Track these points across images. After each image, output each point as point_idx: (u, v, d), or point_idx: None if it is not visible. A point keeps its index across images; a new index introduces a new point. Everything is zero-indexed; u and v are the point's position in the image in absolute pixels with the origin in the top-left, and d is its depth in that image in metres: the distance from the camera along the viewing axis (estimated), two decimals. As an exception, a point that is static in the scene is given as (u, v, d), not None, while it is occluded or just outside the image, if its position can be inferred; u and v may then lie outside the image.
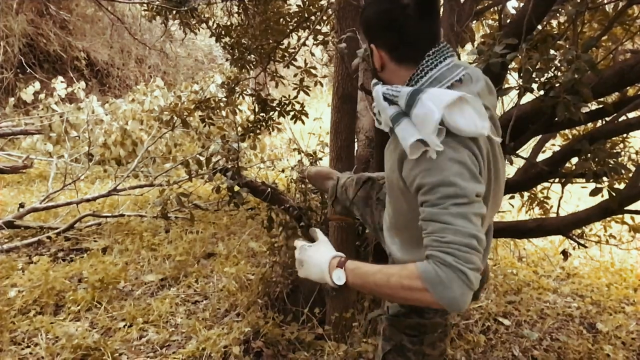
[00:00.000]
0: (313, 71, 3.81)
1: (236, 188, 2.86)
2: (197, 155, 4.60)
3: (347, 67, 2.51)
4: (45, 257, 3.79)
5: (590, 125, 2.85)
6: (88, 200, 4.78)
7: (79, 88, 7.56)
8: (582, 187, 2.76)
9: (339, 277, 1.24)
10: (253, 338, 2.75)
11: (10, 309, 3.00)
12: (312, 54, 4.46)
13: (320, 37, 4.00)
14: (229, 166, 2.95)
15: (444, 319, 1.54)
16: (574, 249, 3.41)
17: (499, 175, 1.28)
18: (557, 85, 1.86)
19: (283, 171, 3.43)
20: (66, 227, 4.31)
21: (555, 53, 2.02)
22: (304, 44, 4.05)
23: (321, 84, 4.41)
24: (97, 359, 2.55)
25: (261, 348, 2.70)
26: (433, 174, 1.11)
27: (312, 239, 1.41)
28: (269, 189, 2.97)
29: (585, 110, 2.15)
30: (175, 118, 3.77)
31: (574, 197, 4.06)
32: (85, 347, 2.62)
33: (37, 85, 7.58)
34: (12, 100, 7.99)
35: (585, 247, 2.93)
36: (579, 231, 3.15)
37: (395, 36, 1.26)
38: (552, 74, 1.85)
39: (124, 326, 2.96)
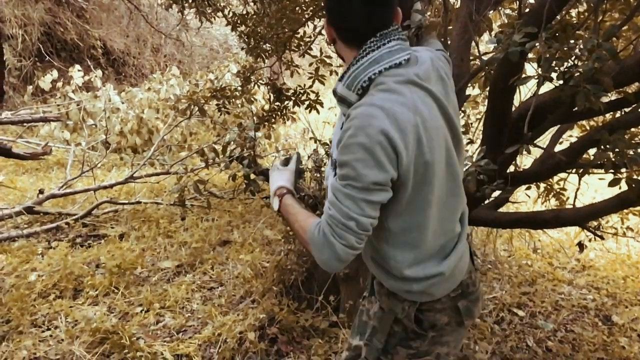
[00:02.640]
0: (328, 60, 3.81)
1: (252, 176, 2.88)
2: (213, 144, 4.64)
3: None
4: (64, 242, 3.86)
5: (608, 116, 2.82)
6: (105, 188, 4.83)
7: (95, 76, 7.63)
8: (600, 179, 2.73)
9: (274, 204, 1.46)
10: (268, 324, 2.79)
11: (31, 293, 3.06)
12: (328, 43, 4.44)
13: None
14: (245, 154, 2.96)
15: (438, 356, 1.43)
16: (589, 241, 3.39)
17: (434, 151, 1.24)
18: (577, 74, 1.84)
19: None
20: (84, 214, 4.37)
21: (574, 42, 1.99)
22: (320, 33, 4.04)
23: (336, 73, 4.41)
24: (115, 343, 2.59)
25: (276, 334, 2.73)
26: (344, 153, 1.20)
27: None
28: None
29: (605, 100, 2.13)
30: (192, 106, 3.79)
31: (591, 189, 4.02)
32: (104, 330, 2.67)
33: (55, 73, 7.66)
34: (30, 88, 8.08)
35: (602, 238, 2.91)
36: (595, 223, 3.12)
37: (341, 19, 1.30)
38: (572, 63, 1.83)
39: (141, 311, 3.00)
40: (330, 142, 3.36)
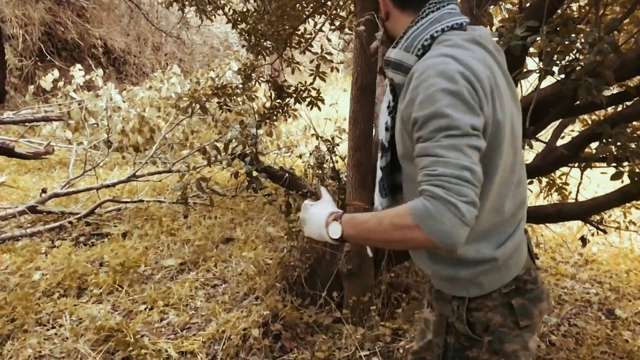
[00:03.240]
0: (329, 57, 3.81)
1: (254, 173, 2.89)
2: (215, 142, 4.64)
3: (366, 52, 2.51)
4: (67, 241, 3.87)
5: (610, 110, 2.82)
6: (108, 186, 4.85)
7: (96, 76, 7.64)
8: (602, 173, 2.73)
9: (334, 231, 1.21)
10: (272, 321, 2.79)
11: (35, 291, 3.07)
12: (329, 40, 4.45)
13: (336, 23, 3.99)
14: (247, 152, 2.97)
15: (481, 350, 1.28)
16: (592, 235, 3.40)
17: (504, 110, 1.17)
18: (578, 68, 1.84)
19: (300, 157, 3.46)
20: (87, 212, 4.38)
21: (576, 36, 1.99)
22: (320, 30, 4.04)
23: (337, 70, 4.41)
24: (119, 340, 2.60)
25: (280, 331, 2.74)
26: (426, 106, 1.07)
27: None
28: (287, 174, 2.99)
29: (606, 93, 2.13)
30: (194, 104, 3.80)
31: (593, 184, 4.02)
32: (108, 328, 2.67)
33: (56, 73, 7.67)
34: (31, 88, 8.10)
35: (605, 232, 2.92)
36: (598, 217, 3.13)
37: None
38: (574, 57, 1.84)
39: (145, 309, 3.01)
40: (332, 139, 3.37)
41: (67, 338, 2.66)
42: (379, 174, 1.38)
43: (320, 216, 1.26)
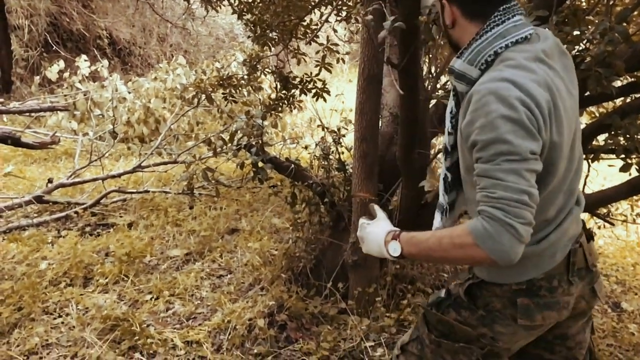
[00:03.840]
0: (335, 48, 3.79)
1: (260, 164, 2.88)
2: (220, 134, 4.64)
3: (373, 41, 2.49)
4: (73, 231, 3.89)
5: (618, 102, 2.79)
6: (113, 177, 4.86)
7: (102, 67, 7.64)
8: (609, 166, 2.71)
9: (394, 249, 1.29)
10: (277, 311, 2.80)
11: (42, 281, 3.09)
12: (335, 31, 4.42)
13: (343, 13, 3.97)
14: (253, 142, 2.97)
15: (481, 335, 1.37)
16: (599, 228, 3.38)
17: (562, 131, 1.21)
18: (588, 58, 1.83)
19: (306, 148, 3.45)
20: (93, 203, 4.39)
21: (586, 27, 1.97)
22: (326, 21, 4.02)
23: (343, 61, 4.39)
24: (125, 330, 2.61)
25: (285, 321, 2.75)
26: (487, 131, 1.13)
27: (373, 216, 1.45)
28: (293, 165, 2.99)
29: (616, 84, 2.10)
30: (199, 95, 3.79)
31: (600, 177, 3.99)
32: (114, 317, 2.69)
33: (62, 63, 7.68)
34: (37, 78, 8.11)
35: (612, 225, 2.90)
36: (605, 210, 3.11)
37: None
38: (584, 47, 1.82)
39: (151, 299, 3.03)
40: (338, 130, 3.36)
41: (74, 327, 2.68)
42: (443, 173, 1.45)
43: (378, 234, 1.35)
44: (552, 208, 1.29)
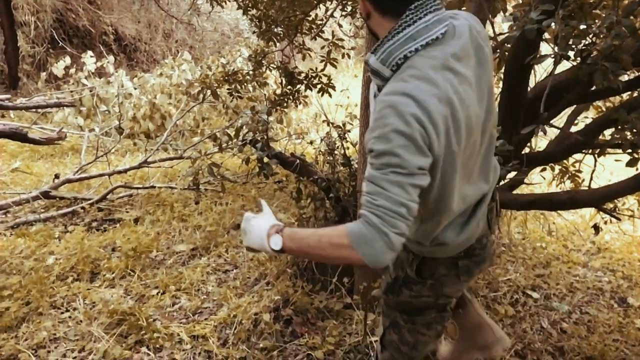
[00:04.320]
0: (340, 43, 3.79)
1: (266, 159, 2.89)
2: (225, 130, 4.65)
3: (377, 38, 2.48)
4: (80, 226, 3.91)
5: (624, 96, 2.78)
6: (119, 172, 4.87)
7: (107, 62, 7.65)
8: (616, 161, 2.70)
9: (276, 243, 1.30)
10: (283, 306, 2.81)
11: (49, 275, 3.11)
12: (340, 26, 4.42)
13: (348, 8, 3.96)
14: (259, 138, 2.97)
15: (434, 293, 1.55)
16: (605, 223, 3.37)
17: (461, 141, 1.27)
18: (594, 52, 1.82)
19: (311, 143, 3.45)
20: (99, 198, 4.41)
21: (592, 21, 1.96)
22: (331, 16, 4.01)
23: (348, 56, 4.38)
24: (132, 324, 2.63)
25: (290, 316, 2.76)
26: (381, 142, 1.17)
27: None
28: (298, 161, 2.99)
29: (623, 78, 2.09)
30: (205, 90, 3.80)
31: (606, 172, 3.98)
32: (121, 312, 2.71)
33: (68, 60, 7.70)
34: (43, 75, 8.14)
35: (619, 219, 2.89)
36: (611, 205, 3.10)
37: None
38: (590, 41, 1.81)
39: (157, 293, 3.04)
40: (344, 125, 3.36)
41: (81, 321, 2.70)
42: None
43: (262, 227, 1.35)
44: (472, 194, 1.43)
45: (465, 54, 1.27)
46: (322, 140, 3.38)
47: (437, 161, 1.23)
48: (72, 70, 7.38)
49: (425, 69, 1.21)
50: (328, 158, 3.27)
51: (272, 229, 1.33)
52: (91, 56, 7.56)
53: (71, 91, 7.23)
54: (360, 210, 1.20)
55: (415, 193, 1.19)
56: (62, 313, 2.80)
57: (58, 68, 7.64)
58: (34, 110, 6.53)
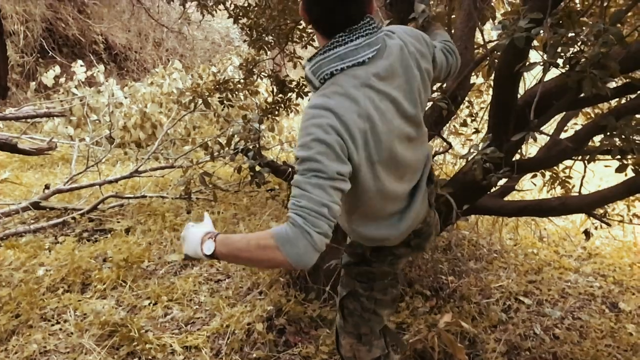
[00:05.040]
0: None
1: (257, 168, 2.88)
2: (217, 138, 4.63)
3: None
4: (70, 237, 3.88)
5: (614, 103, 2.80)
6: (110, 182, 4.84)
7: (98, 72, 7.63)
8: (605, 166, 2.72)
9: (208, 248, 1.35)
10: (276, 315, 2.80)
11: (40, 287, 3.08)
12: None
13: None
14: (250, 146, 2.96)
15: (392, 267, 1.77)
16: (596, 228, 3.39)
17: (381, 152, 1.39)
18: (583, 60, 1.83)
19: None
20: (90, 208, 4.38)
21: (580, 29, 1.98)
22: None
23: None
24: (124, 335, 2.61)
25: (284, 325, 2.74)
26: (304, 149, 1.26)
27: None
28: (290, 169, 2.99)
29: (611, 85, 2.12)
30: (196, 99, 3.79)
31: (596, 178, 4.01)
32: (113, 323, 2.68)
33: (58, 69, 7.67)
34: (33, 84, 8.09)
35: (609, 225, 2.91)
36: (601, 211, 3.11)
37: (311, 10, 1.36)
38: (578, 49, 1.82)
39: (149, 304, 3.02)
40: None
41: (72, 333, 2.67)
42: None
43: (197, 234, 1.40)
44: (405, 191, 1.57)
45: (389, 74, 1.37)
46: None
47: (358, 169, 1.34)
48: (62, 80, 7.35)
49: (348, 87, 1.31)
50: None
51: (206, 236, 1.38)
52: (81, 65, 7.54)
53: (61, 101, 7.19)
54: (288, 214, 1.27)
55: (337, 195, 1.27)
56: (53, 325, 2.77)
57: (48, 77, 7.61)
58: (23, 120, 6.47)
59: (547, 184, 3.22)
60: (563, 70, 1.93)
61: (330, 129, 1.26)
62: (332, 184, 1.25)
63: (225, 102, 3.91)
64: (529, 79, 2.88)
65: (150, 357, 2.52)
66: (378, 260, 1.74)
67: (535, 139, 2.12)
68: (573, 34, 1.84)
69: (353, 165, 1.32)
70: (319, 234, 1.23)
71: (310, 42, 3.93)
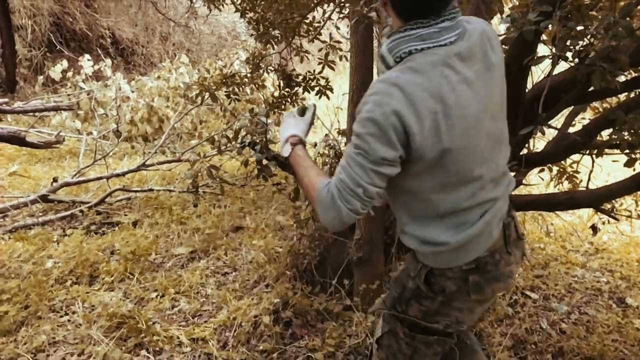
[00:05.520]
0: (338, 46, 3.79)
1: (264, 161, 2.88)
2: (224, 132, 4.64)
3: (364, 53, 2.54)
4: (78, 230, 3.90)
5: (622, 97, 2.79)
6: (118, 176, 4.87)
7: (105, 66, 7.65)
8: (613, 161, 2.71)
9: (286, 151, 1.53)
10: (282, 308, 2.81)
11: (48, 279, 3.10)
12: (337, 28, 4.42)
13: (345, 11, 3.96)
14: (257, 140, 2.97)
15: (445, 312, 1.49)
16: (603, 223, 3.38)
17: (454, 138, 1.28)
18: (592, 53, 1.82)
19: (315, 145, 3.45)
20: (98, 201, 4.41)
21: (590, 22, 1.97)
22: (329, 18, 4.02)
23: (346, 59, 4.38)
24: (132, 327, 2.63)
25: (290, 318, 2.75)
26: (360, 125, 1.26)
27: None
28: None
29: (621, 79, 2.10)
30: (203, 93, 3.79)
31: (604, 172, 3.99)
32: (120, 315, 2.70)
33: (65, 63, 7.69)
34: (41, 78, 8.13)
35: (617, 219, 2.90)
36: (609, 206, 3.10)
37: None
38: (588, 42, 1.81)
39: (157, 296, 3.04)
40: (344, 130, 3.36)
41: (80, 324, 2.69)
42: None
43: (287, 131, 1.58)
44: (479, 193, 1.39)
45: (470, 56, 1.29)
46: (316, 144, 3.39)
47: (422, 153, 1.26)
48: (70, 74, 7.36)
49: (424, 64, 1.24)
50: (326, 160, 3.27)
51: (292, 138, 1.55)
52: (88, 59, 7.56)
53: (68, 95, 7.22)
54: (333, 177, 1.32)
55: (377, 178, 1.27)
56: (61, 317, 2.80)
57: (55, 72, 7.63)
58: (31, 113, 6.52)
59: (554, 179, 3.21)
60: (572, 64, 1.93)
61: (389, 111, 1.21)
62: (374, 167, 1.25)
63: (232, 96, 3.91)
64: (537, 73, 2.86)
65: (157, 349, 2.54)
66: (428, 296, 1.48)
67: (543, 133, 2.10)
68: (582, 27, 1.83)
69: (415, 148, 1.24)
70: (349, 210, 1.28)
71: (317, 36, 3.92)
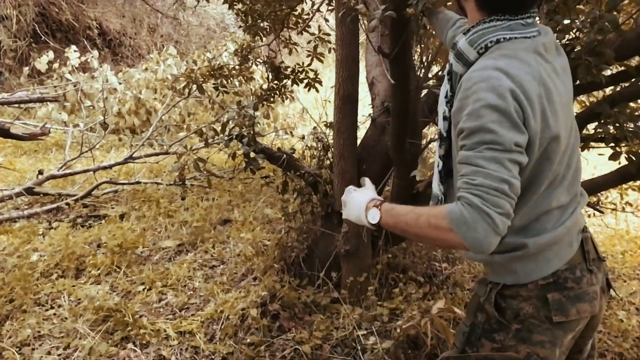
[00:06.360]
0: (326, 38, 3.77)
1: (252, 154, 2.87)
2: (212, 125, 4.62)
3: (347, 61, 2.55)
4: (64, 222, 3.87)
5: (608, 91, 2.81)
6: (104, 168, 4.83)
7: (92, 57, 7.56)
8: (599, 155, 2.73)
9: (373, 216, 1.29)
10: (270, 301, 2.81)
11: (34, 272, 3.08)
12: (326, 20, 4.40)
13: (334, 3, 3.95)
14: (245, 133, 2.95)
15: (527, 353, 1.27)
16: (588, 216, 3.41)
17: (559, 125, 1.20)
18: (578, 47, 1.83)
19: (303, 138, 3.45)
20: (84, 194, 4.37)
21: (576, 16, 1.97)
22: (317, 10, 4.00)
23: (335, 51, 4.36)
24: (118, 320, 2.62)
25: (278, 311, 2.76)
26: (473, 119, 1.12)
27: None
28: (285, 155, 2.98)
29: (606, 73, 2.11)
30: (191, 85, 3.77)
31: (590, 166, 4.02)
32: (107, 308, 2.69)
33: (51, 54, 7.59)
34: (26, 69, 8.02)
35: (602, 212, 2.93)
36: (594, 199, 3.13)
37: None
38: (574, 36, 1.82)
39: (143, 289, 3.02)
40: (331, 123, 3.35)
41: (66, 318, 2.68)
42: (437, 161, 1.42)
43: (361, 200, 1.35)
44: (562, 195, 1.27)
45: (551, 49, 1.26)
46: (304, 137, 3.38)
47: (534, 141, 1.14)
48: (56, 65, 7.27)
49: (517, 50, 1.18)
50: (314, 153, 3.27)
51: (370, 203, 1.33)
52: (75, 51, 7.46)
53: (55, 86, 7.13)
54: (458, 194, 1.12)
55: (515, 169, 1.10)
56: (47, 310, 2.78)
57: (41, 63, 7.52)
58: (16, 105, 6.44)
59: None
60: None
61: (505, 91, 1.10)
62: (509, 157, 1.09)
63: (220, 88, 3.89)
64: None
65: (144, 342, 2.53)
66: (501, 328, 1.29)
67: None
68: (569, 21, 1.84)
69: (530, 134, 1.12)
70: (501, 214, 1.07)
71: (306, 28, 3.90)
